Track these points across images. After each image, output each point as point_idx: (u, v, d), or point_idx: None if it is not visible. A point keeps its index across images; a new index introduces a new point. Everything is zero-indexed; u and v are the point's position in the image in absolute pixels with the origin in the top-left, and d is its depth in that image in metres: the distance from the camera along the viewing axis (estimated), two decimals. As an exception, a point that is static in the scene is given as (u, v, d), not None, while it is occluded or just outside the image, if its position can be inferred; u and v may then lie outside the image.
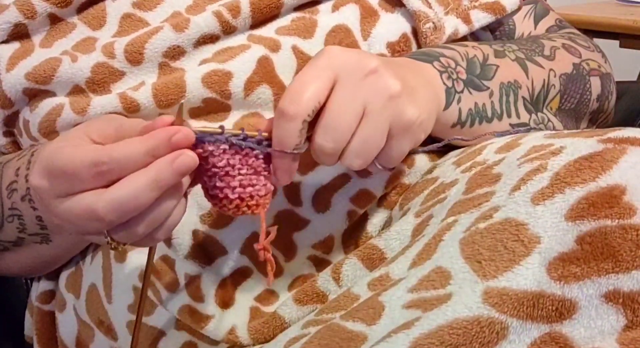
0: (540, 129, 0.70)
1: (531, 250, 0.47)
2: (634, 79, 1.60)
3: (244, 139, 0.53)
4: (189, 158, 0.50)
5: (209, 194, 0.54)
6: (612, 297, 0.45)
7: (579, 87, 0.74)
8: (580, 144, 0.51)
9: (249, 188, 0.54)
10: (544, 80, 0.71)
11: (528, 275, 0.46)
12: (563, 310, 0.45)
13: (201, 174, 0.53)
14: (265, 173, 0.55)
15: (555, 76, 0.72)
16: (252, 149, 0.54)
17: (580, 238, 0.46)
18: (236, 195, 0.53)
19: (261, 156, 0.54)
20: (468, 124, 0.66)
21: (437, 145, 0.64)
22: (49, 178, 0.51)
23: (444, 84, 0.64)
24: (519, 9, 0.79)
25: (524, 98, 0.70)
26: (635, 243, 0.45)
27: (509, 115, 0.68)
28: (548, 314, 0.45)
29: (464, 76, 0.66)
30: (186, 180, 0.53)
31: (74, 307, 0.70)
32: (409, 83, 0.57)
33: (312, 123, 0.55)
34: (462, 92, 0.65)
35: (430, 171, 0.66)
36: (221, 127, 0.53)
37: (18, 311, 0.78)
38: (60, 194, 0.51)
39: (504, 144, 0.59)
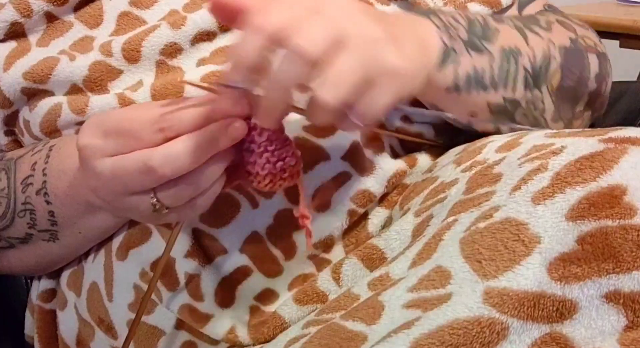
0: (530, 109, 0.68)
1: (532, 250, 0.47)
2: (634, 79, 1.59)
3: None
4: (241, 126, 0.51)
5: (245, 170, 0.54)
6: (613, 298, 0.45)
7: (578, 63, 0.71)
8: (581, 144, 0.51)
9: (279, 163, 0.54)
10: (544, 50, 0.68)
11: (528, 275, 0.46)
12: (564, 310, 0.45)
13: (238, 149, 0.53)
14: (290, 142, 0.55)
15: (554, 47, 0.69)
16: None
17: (581, 239, 0.46)
18: (265, 171, 0.54)
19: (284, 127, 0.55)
20: (464, 89, 0.62)
21: (429, 113, 0.63)
22: (105, 136, 0.52)
23: (442, 41, 0.60)
24: (512, 4, 0.78)
25: (525, 69, 0.66)
26: (636, 243, 0.45)
27: (505, 87, 0.65)
28: (549, 314, 0.45)
29: (464, 35, 0.62)
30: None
31: (74, 306, 0.70)
32: (395, 33, 0.53)
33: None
34: (461, 52, 0.61)
35: (430, 170, 0.66)
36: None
37: (18, 310, 0.78)
38: (114, 152, 0.52)
39: (504, 142, 0.59)
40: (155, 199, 0.52)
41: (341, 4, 0.51)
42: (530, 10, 0.78)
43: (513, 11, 0.78)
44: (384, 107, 0.51)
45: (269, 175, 0.54)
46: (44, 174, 0.65)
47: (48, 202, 0.65)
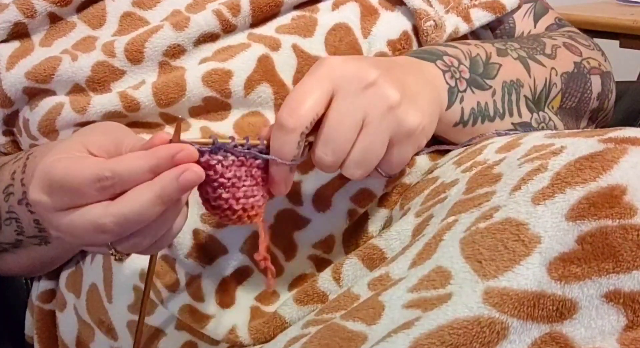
0: (542, 128, 0.71)
1: (532, 250, 0.47)
2: (634, 79, 1.59)
3: (249, 149, 0.53)
4: (195, 174, 0.50)
5: (211, 205, 0.54)
6: (613, 297, 0.45)
7: (579, 86, 0.75)
8: (581, 144, 0.51)
9: (251, 199, 0.54)
10: (546, 78, 0.71)
11: (528, 275, 0.46)
12: (563, 310, 0.45)
13: (204, 184, 0.53)
14: (263, 183, 0.55)
15: (556, 75, 0.72)
16: (255, 159, 0.54)
17: (581, 238, 0.46)
18: (240, 206, 0.54)
19: (262, 166, 0.55)
20: (470, 123, 0.66)
21: (439, 147, 0.64)
22: (49, 192, 0.51)
23: (447, 83, 0.64)
24: (518, 7, 0.79)
25: (526, 97, 0.70)
26: (636, 243, 0.45)
27: (511, 114, 0.69)
28: (548, 314, 0.45)
29: (467, 75, 0.66)
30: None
31: (74, 307, 0.70)
32: (410, 88, 0.58)
33: (314, 130, 0.55)
34: (464, 91, 0.65)
35: (430, 171, 0.66)
36: (232, 137, 0.53)
37: (18, 311, 0.78)
38: (62, 207, 0.51)
39: (504, 143, 0.59)
40: (113, 250, 0.52)
41: (357, 71, 0.55)
42: (544, 22, 0.82)
43: (528, 19, 0.80)
44: (404, 162, 0.59)
45: (240, 210, 0.54)
46: (23, 185, 0.64)
47: (31, 212, 0.64)
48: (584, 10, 1.65)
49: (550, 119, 0.72)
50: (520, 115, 0.69)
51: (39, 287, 0.74)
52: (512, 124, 0.69)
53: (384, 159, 0.56)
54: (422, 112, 0.58)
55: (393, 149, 0.57)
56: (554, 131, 0.59)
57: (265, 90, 0.65)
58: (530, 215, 0.49)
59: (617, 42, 1.58)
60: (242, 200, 0.54)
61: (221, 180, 0.53)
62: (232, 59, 0.65)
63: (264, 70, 0.65)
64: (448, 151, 0.67)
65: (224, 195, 0.53)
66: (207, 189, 0.53)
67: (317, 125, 0.55)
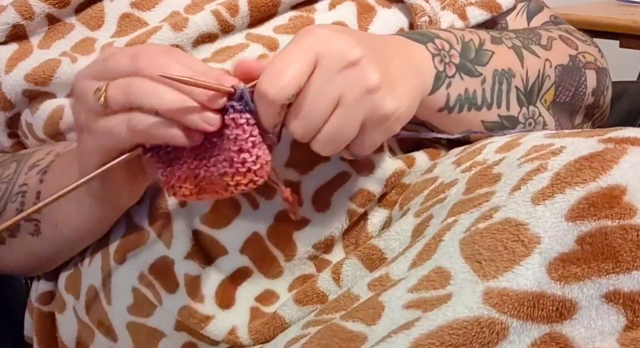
0: (530, 124, 0.70)
1: (531, 251, 0.47)
2: (634, 79, 1.59)
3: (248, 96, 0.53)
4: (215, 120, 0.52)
5: (234, 165, 0.53)
6: (613, 298, 0.45)
7: (574, 80, 0.74)
8: (581, 144, 0.51)
9: (264, 157, 0.54)
10: (539, 70, 0.70)
11: (528, 276, 0.46)
12: (563, 310, 0.45)
13: (224, 144, 0.53)
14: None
15: (550, 66, 0.71)
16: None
17: (581, 239, 0.46)
18: (258, 165, 0.53)
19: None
20: (456, 109, 0.65)
21: (418, 135, 0.64)
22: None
23: (435, 67, 0.63)
24: (514, 7, 0.79)
25: (517, 88, 0.69)
26: (635, 243, 0.45)
27: (499, 106, 0.68)
28: (548, 314, 0.45)
29: (457, 60, 0.65)
30: None
31: (73, 308, 0.70)
32: (393, 72, 0.57)
33: None
34: (453, 76, 0.64)
35: (429, 171, 0.66)
36: (233, 87, 0.52)
37: (18, 312, 0.78)
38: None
39: (504, 143, 0.59)
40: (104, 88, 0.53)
41: (342, 48, 0.54)
42: (537, 20, 0.81)
43: (521, 18, 0.79)
44: (375, 146, 0.58)
45: (258, 169, 0.53)
46: (57, 155, 0.65)
47: (41, 181, 0.64)
48: (584, 10, 1.65)
49: (540, 114, 0.71)
50: (508, 107, 0.68)
51: (38, 288, 0.74)
52: (499, 115, 0.68)
53: (354, 140, 0.56)
54: (400, 98, 0.57)
55: (365, 132, 0.56)
56: (554, 131, 0.59)
57: None
58: (530, 215, 0.49)
59: (617, 42, 1.58)
60: (261, 159, 0.53)
61: (252, 139, 0.52)
62: (230, 60, 0.66)
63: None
64: (446, 148, 0.67)
65: (249, 154, 0.53)
66: (228, 147, 0.53)
67: None
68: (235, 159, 0.53)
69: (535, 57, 0.71)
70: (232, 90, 0.52)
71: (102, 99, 0.53)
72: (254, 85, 0.53)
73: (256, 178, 0.53)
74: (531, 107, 0.70)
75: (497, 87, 0.67)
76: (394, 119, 0.57)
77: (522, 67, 0.69)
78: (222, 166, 0.54)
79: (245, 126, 0.52)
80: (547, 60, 0.71)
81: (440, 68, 0.63)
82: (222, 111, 0.52)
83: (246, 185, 0.54)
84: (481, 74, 0.66)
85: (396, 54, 0.60)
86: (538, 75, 0.70)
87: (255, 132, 0.53)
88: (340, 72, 0.54)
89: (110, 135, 0.54)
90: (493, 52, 0.68)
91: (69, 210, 0.64)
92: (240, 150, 0.53)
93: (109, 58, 0.54)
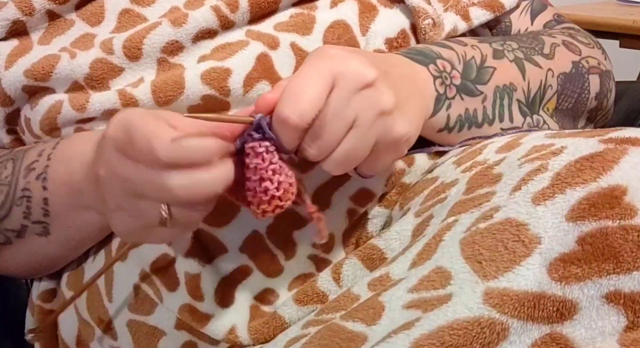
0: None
1: (532, 251, 0.47)
2: (634, 79, 1.60)
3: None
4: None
5: (257, 194, 0.53)
6: (613, 298, 0.45)
7: (577, 87, 0.74)
8: (581, 144, 0.51)
9: (287, 181, 0.54)
10: (541, 80, 0.71)
11: (529, 276, 0.46)
12: (564, 310, 0.45)
13: (245, 174, 0.53)
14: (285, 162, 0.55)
15: (553, 76, 0.72)
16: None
17: (581, 239, 0.46)
18: (281, 191, 0.53)
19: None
20: (456, 129, 0.66)
21: (436, 149, 0.64)
22: (125, 136, 0.51)
23: (436, 90, 0.64)
24: (517, 6, 0.79)
25: (519, 101, 0.69)
26: (636, 244, 0.45)
27: (502, 120, 0.68)
28: (549, 315, 0.45)
29: (458, 81, 0.65)
30: None
31: (75, 306, 0.70)
32: (402, 95, 0.57)
33: None
34: (453, 98, 0.65)
35: (430, 171, 0.66)
36: (252, 115, 0.53)
37: (18, 310, 0.78)
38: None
39: (504, 143, 0.59)
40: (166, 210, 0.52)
41: (357, 69, 0.54)
42: (541, 18, 0.82)
43: (525, 17, 0.79)
44: (384, 167, 0.59)
45: (282, 194, 0.53)
46: (49, 159, 0.65)
47: (44, 188, 0.64)
48: (584, 10, 1.65)
49: (544, 122, 0.72)
50: (511, 119, 0.69)
51: (40, 286, 0.74)
52: (502, 129, 0.68)
53: (364, 161, 0.56)
54: (410, 122, 0.57)
55: (375, 154, 0.56)
56: (554, 131, 0.59)
57: (264, 88, 0.65)
58: (530, 215, 0.49)
59: (617, 42, 1.58)
60: (283, 184, 0.53)
61: (272, 166, 0.52)
62: (230, 57, 0.65)
63: (263, 68, 0.65)
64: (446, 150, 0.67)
65: (270, 182, 0.53)
66: (249, 176, 0.53)
67: None
68: (257, 189, 0.53)
69: (537, 68, 0.71)
70: (252, 119, 0.52)
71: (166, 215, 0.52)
72: (271, 112, 0.53)
73: (282, 203, 0.54)
74: (535, 116, 0.71)
75: (498, 103, 0.68)
76: (404, 141, 0.57)
77: (524, 79, 0.70)
78: (247, 196, 0.54)
79: (264, 154, 0.52)
80: (549, 70, 0.72)
81: (441, 91, 0.64)
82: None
83: (273, 211, 0.54)
84: (482, 93, 0.67)
85: (401, 75, 0.60)
86: (540, 86, 0.71)
87: (275, 158, 0.53)
88: (357, 94, 0.54)
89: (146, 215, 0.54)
90: (495, 69, 0.68)
91: (85, 217, 0.65)
92: (262, 179, 0.53)
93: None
